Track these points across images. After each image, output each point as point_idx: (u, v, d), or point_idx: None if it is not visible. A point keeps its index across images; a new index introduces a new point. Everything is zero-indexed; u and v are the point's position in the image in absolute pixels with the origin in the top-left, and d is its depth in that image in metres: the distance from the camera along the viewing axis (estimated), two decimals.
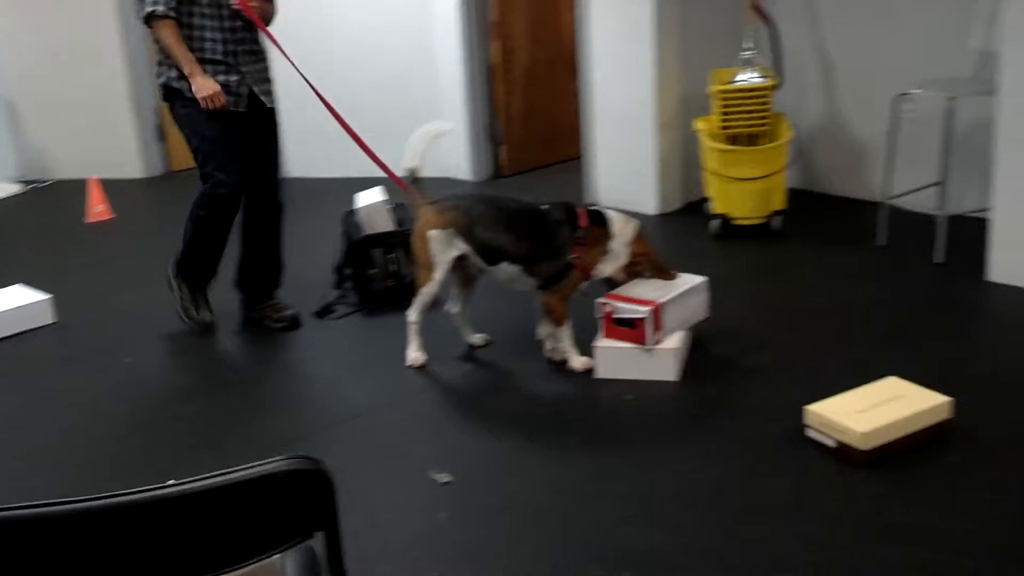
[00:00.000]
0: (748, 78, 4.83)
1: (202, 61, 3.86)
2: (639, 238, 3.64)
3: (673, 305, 3.58)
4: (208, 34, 3.86)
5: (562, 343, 3.62)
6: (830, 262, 4.53)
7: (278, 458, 1.38)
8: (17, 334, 4.31)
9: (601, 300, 3.57)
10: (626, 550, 2.58)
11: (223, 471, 1.35)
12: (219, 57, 3.88)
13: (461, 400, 3.54)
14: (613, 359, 3.53)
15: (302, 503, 1.43)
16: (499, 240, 3.53)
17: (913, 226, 4.61)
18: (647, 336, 3.47)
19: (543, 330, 3.70)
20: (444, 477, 2.98)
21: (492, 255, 3.56)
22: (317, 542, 1.51)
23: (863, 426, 2.88)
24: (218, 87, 3.84)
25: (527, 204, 3.68)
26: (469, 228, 3.54)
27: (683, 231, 5.15)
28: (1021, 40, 3.86)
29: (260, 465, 1.37)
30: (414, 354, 3.72)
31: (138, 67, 6.99)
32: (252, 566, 1.54)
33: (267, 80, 4.07)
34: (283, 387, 3.72)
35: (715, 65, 5.06)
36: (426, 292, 3.65)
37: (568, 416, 3.36)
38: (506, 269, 3.57)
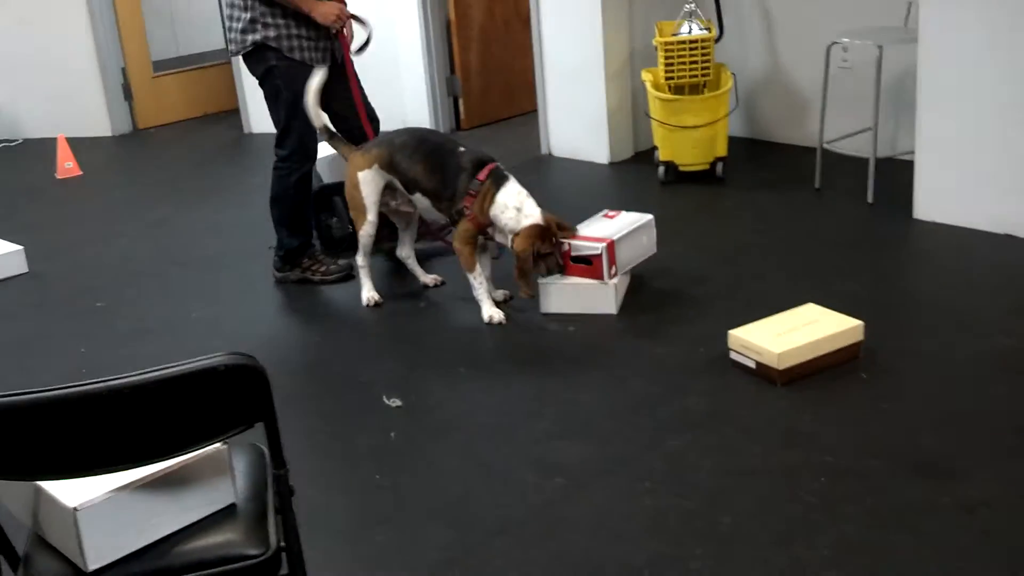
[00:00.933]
0: (690, 30, 5.03)
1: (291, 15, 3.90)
2: (527, 234, 3.58)
3: (625, 241, 3.79)
4: None
5: (475, 292, 3.75)
6: (768, 204, 4.77)
7: (218, 354, 1.61)
8: None
9: (560, 239, 3.70)
10: (559, 461, 2.84)
11: (169, 364, 1.58)
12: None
13: (414, 333, 3.77)
14: (558, 295, 3.75)
15: (240, 395, 1.65)
16: (413, 170, 3.75)
17: (847, 169, 4.85)
18: (604, 271, 3.69)
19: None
20: (395, 401, 3.22)
21: (409, 184, 3.79)
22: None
23: (779, 347, 3.13)
24: (340, 6, 3.93)
25: (448, 142, 3.83)
26: (391, 158, 3.76)
27: (632, 179, 5.38)
28: None
29: (202, 360, 1.59)
30: (368, 294, 3.94)
31: (104, 26, 7.11)
32: (200, 452, 1.78)
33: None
34: (246, 324, 3.93)
35: (659, 18, 5.26)
36: (365, 234, 3.88)
37: (512, 346, 3.60)
38: (419, 199, 3.81)
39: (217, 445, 1.80)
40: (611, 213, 3.99)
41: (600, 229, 3.82)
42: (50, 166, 6.37)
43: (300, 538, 1.97)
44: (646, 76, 5.21)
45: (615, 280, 3.72)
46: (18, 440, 1.56)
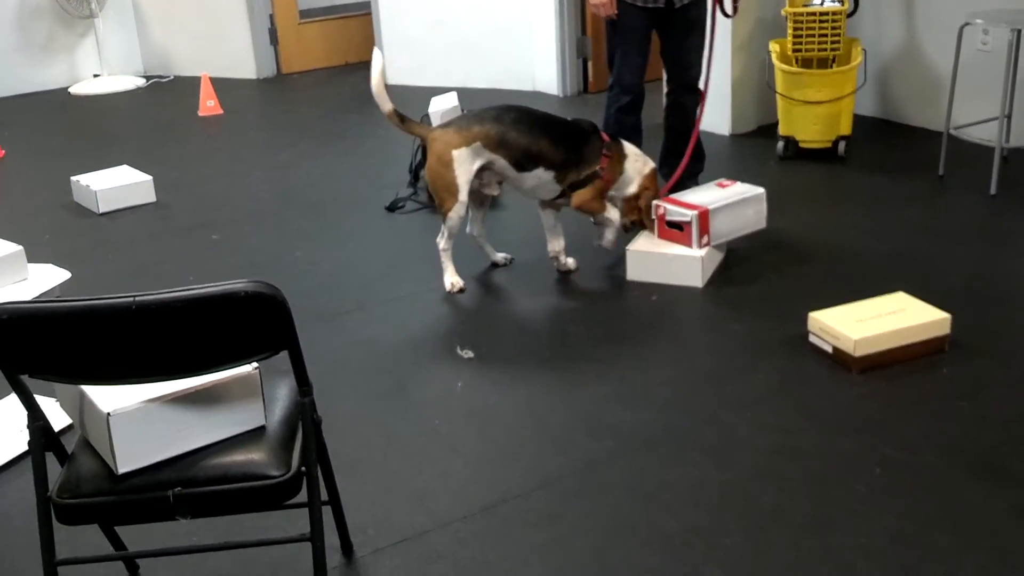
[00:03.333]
0: (822, 1, 4.88)
1: None
2: (652, 176, 3.87)
3: (723, 212, 3.74)
4: None
5: (608, 232, 3.85)
6: (886, 188, 4.61)
7: (241, 280, 1.70)
8: (120, 209, 4.80)
9: (656, 202, 3.80)
10: (613, 424, 2.86)
11: (196, 286, 1.68)
12: None
13: (495, 294, 3.83)
14: (643, 263, 3.75)
15: (263, 322, 1.75)
16: (538, 144, 3.64)
17: (975, 158, 4.63)
18: (693, 239, 3.68)
19: (554, 246, 3.88)
20: (468, 353, 3.29)
21: (528, 160, 3.65)
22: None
23: (857, 334, 3.06)
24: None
25: (546, 113, 3.79)
26: (502, 136, 3.60)
27: (752, 152, 5.27)
28: None
29: (226, 284, 1.69)
30: (452, 279, 3.78)
31: None
32: (232, 374, 1.89)
33: None
34: (344, 268, 4.08)
35: None
36: (455, 216, 3.65)
37: (590, 310, 3.62)
38: (539, 175, 3.66)
39: (249, 369, 1.90)
40: (725, 182, 3.96)
41: (703, 197, 3.80)
42: (195, 103, 6.70)
43: (325, 464, 2.08)
44: (773, 47, 5.08)
45: (704, 250, 3.69)
46: (54, 344, 1.69)
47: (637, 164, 3.83)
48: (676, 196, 3.84)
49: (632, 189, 3.83)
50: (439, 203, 3.71)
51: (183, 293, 1.67)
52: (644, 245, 3.79)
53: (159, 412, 1.85)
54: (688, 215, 3.67)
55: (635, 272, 3.77)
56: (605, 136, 3.80)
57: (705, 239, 3.69)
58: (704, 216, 3.67)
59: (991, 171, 4.40)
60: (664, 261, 3.72)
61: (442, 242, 3.79)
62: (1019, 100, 4.60)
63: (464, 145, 3.61)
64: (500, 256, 4.03)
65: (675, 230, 3.73)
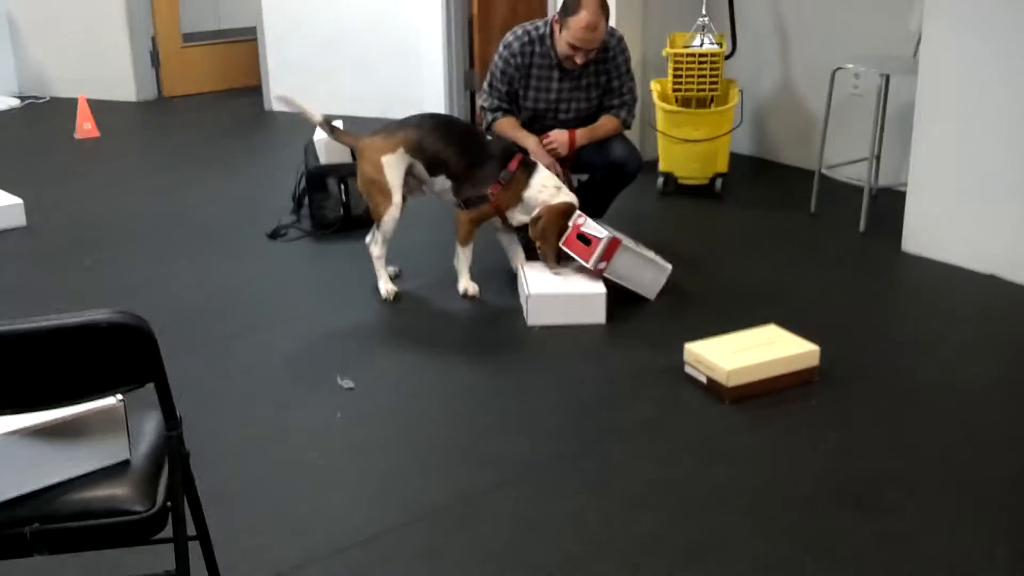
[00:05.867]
0: (702, 43, 5.03)
1: None
2: (559, 210, 3.77)
3: (631, 256, 3.77)
4: None
5: (458, 262, 3.91)
6: (760, 225, 4.76)
7: (103, 310, 1.65)
8: None
9: (578, 212, 3.79)
10: (494, 453, 2.86)
11: (54, 315, 1.62)
12: None
13: (381, 323, 3.80)
14: (544, 306, 3.68)
15: (128, 353, 1.69)
16: (445, 153, 3.78)
17: (845, 196, 4.82)
18: (592, 257, 3.69)
19: (514, 262, 3.99)
20: (348, 383, 3.25)
21: (436, 166, 3.80)
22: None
23: (730, 364, 3.13)
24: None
25: (475, 128, 3.93)
26: (420, 141, 3.78)
27: (633, 187, 5.27)
28: (939, 15, 4.04)
29: (86, 314, 1.63)
30: (387, 287, 3.88)
31: None
32: (95, 407, 1.82)
33: None
34: (223, 295, 3.98)
35: (674, 29, 5.26)
36: (389, 219, 3.79)
37: (477, 339, 3.62)
38: (442, 182, 3.83)
39: (113, 402, 1.84)
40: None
41: (625, 237, 3.80)
42: (71, 126, 6.49)
43: (193, 498, 2.02)
44: (654, 86, 5.21)
45: (599, 270, 3.72)
46: None
47: (543, 195, 3.80)
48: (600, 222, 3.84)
49: (534, 215, 3.82)
50: (374, 208, 3.83)
51: (40, 324, 1.61)
52: (540, 287, 3.73)
53: (16, 445, 1.77)
54: (602, 234, 3.70)
55: (536, 316, 3.68)
56: (514, 165, 3.79)
57: (603, 264, 3.71)
58: (614, 245, 3.70)
59: (860, 209, 4.59)
60: (566, 302, 3.69)
61: (375, 249, 3.88)
62: (888, 141, 4.82)
63: (391, 151, 3.79)
64: (388, 268, 4.02)
65: (581, 243, 3.74)
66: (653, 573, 2.36)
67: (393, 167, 3.78)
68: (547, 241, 3.80)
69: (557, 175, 3.92)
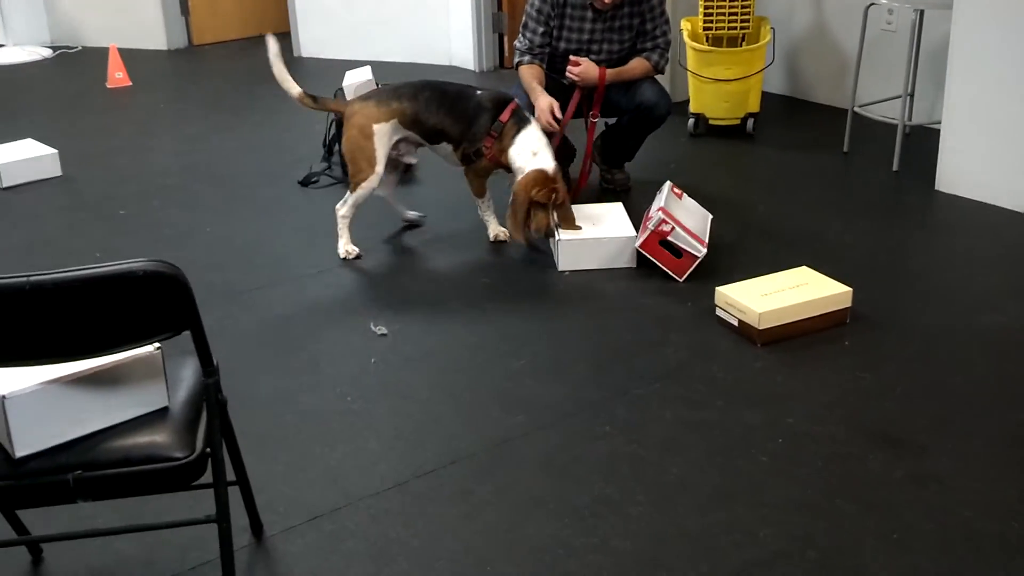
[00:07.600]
0: None
1: None
2: (533, 178, 3.64)
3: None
4: None
5: (482, 212, 3.92)
6: (792, 165, 4.71)
7: (139, 260, 1.67)
8: (24, 184, 4.66)
9: (661, 215, 3.53)
10: (526, 398, 2.89)
11: (92, 265, 1.65)
12: None
13: (410, 270, 3.82)
14: (575, 251, 3.66)
15: (163, 301, 1.72)
16: (442, 123, 3.73)
17: (879, 135, 4.76)
18: (686, 272, 3.54)
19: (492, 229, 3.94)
20: (381, 330, 3.28)
21: (435, 136, 3.78)
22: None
23: (762, 307, 3.13)
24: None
25: (465, 88, 3.83)
26: (416, 115, 3.71)
27: (663, 129, 5.26)
28: None
29: (123, 263, 1.66)
30: (347, 247, 3.81)
31: None
32: (133, 355, 1.86)
33: None
34: (255, 244, 4.02)
35: None
36: (367, 187, 3.71)
37: (506, 286, 3.63)
38: (445, 147, 3.81)
39: (150, 349, 1.88)
40: (678, 191, 3.83)
41: (689, 219, 3.64)
42: (103, 75, 6.51)
43: (232, 443, 2.06)
44: (685, 25, 5.14)
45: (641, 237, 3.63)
46: None
47: (519, 159, 3.69)
48: (672, 212, 3.59)
49: (520, 171, 3.71)
50: (354, 173, 3.76)
51: (78, 273, 1.64)
52: (571, 233, 3.69)
53: (57, 394, 1.81)
54: (701, 251, 3.53)
55: (567, 261, 3.67)
56: (506, 115, 3.71)
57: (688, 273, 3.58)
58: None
59: (894, 148, 4.53)
60: (595, 247, 3.66)
61: (343, 209, 3.81)
62: (921, 79, 4.74)
63: (384, 120, 3.70)
64: (412, 214, 4.06)
65: (667, 251, 3.56)
66: (685, 515, 2.38)
67: (383, 137, 3.69)
68: (513, 214, 3.69)
69: (550, 138, 3.81)
